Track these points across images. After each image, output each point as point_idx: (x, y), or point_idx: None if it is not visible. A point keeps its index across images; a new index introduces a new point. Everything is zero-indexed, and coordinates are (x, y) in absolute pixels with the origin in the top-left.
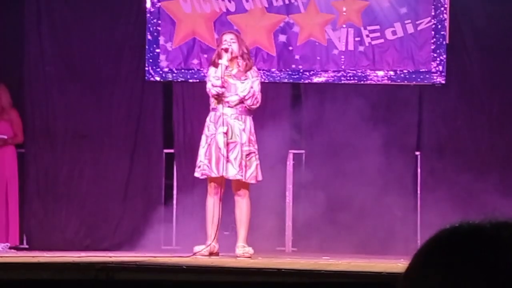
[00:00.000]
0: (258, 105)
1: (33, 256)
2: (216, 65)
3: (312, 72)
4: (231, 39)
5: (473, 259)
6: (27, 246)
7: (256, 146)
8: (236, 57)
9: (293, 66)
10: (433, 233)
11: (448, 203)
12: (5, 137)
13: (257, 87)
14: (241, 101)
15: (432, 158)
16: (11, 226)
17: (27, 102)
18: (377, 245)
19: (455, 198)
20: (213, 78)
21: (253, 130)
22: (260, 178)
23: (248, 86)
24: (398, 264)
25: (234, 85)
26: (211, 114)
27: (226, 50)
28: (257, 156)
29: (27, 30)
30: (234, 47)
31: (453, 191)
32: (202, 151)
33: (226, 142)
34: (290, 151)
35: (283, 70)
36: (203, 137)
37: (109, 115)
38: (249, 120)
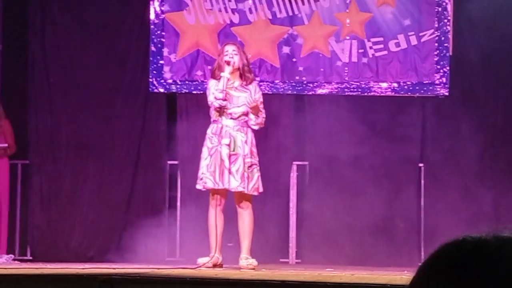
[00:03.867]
0: (264, 119)
1: (36, 268)
2: (216, 77)
3: (315, 83)
4: (233, 50)
5: (476, 273)
6: (30, 258)
7: (257, 158)
8: (238, 68)
9: (297, 77)
10: (436, 245)
11: (452, 215)
12: (6, 145)
13: (261, 103)
14: (244, 114)
15: (435, 169)
16: (2, 237)
17: (31, 113)
18: (381, 257)
19: (459, 210)
20: (215, 91)
21: (254, 142)
22: (261, 189)
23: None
24: (402, 276)
25: (237, 97)
26: (213, 126)
27: (228, 63)
28: (258, 168)
29: (30, 42)
30: (236, 59)
31: (457, 203)
32: (204, 163)
33: (229, 154)
34: (294, 162)
35: (287, 81)
36: (205, 149)
37: (113, 127)
38: (250, 132)
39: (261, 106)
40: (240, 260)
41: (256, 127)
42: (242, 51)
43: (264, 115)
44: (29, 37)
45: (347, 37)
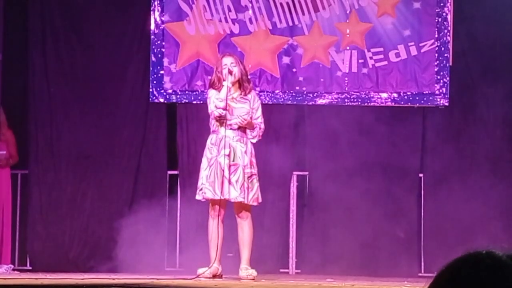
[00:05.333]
0: (263, 130)
1: (36, 278)
2: (216, 87)
3: (315, 94)
4: (232, 63)
5: None
6: (30, 268)
7: (256, 168)
8: (238, 80)
9: (297, 88)
10: (436, 255)
11: (452, 224)
12: (4, 152)
13: (260, 112)
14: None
15: (435, 180)
16: (4, 247)
17: (31, 123)
18: (381, 267)
19: (459, 219)
20: (216, 100)
21: (254, 152)
22: (260, 200)
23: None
24: (402, 287)
25: (236, 108)
26: (212, 136)
27: (231, 73)
28: (257, 178)
29: (31, 52)
30: (236, 70)
31: (456, 213)
32: (204, 173)
33: (229, 165)
34: (294, 172)
35: (287, 91)
36: (204, 160)
37: (113, 136)
38: (250, 143)
39: (260, 115)
40: (240, 271)
41: (254, 140)
42: (240, 61)
43: (262, 126)
44: (30, 46)
45: (347, 47)
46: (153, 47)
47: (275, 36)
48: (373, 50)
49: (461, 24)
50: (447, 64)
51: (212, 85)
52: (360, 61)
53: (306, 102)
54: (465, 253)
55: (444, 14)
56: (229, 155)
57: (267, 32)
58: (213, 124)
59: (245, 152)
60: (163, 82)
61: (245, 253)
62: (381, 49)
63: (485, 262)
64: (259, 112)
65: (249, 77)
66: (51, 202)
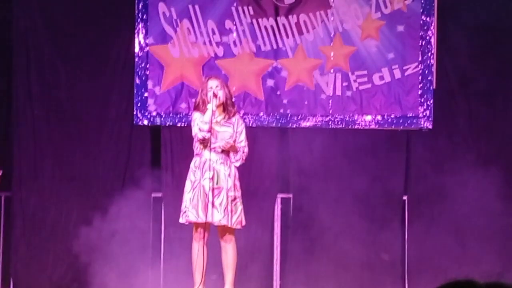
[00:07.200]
0: (246, 154)
1: None
2: (200, 109)
3: (300, 116)
4: (217, 86)
5: None
6: None
7: (240, 192)
8: (222, 103)
9: (281, 110)
10: (420, 278)
11: (436, 247)
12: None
13: (244, 135)
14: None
15: (419, 202)
16: None
17: (15, 145)
18: None
19: (443, 243)
20: (200, 122)
21: (237, 175)
22: (244, 223)
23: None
24: None
25: (220, 132)
26: (196, 159)
27: (216, 96)
28: (241, 201)
29: (15, 74)
30: (220, 93)
31: (441, 236)
32: (187, 196)
33: (212, 188)
34: (278, 195)
35: (271, 114)
36: (188, 183)
37: (97, 159)
38: (233, 166)
39: (244, 139)
40: None
41: (237, 164)
42: (225, 85)
43: (245, 150)
44: (14, 69)
45: (332, 70)
46: (137, 69)
47: (259, 59)
48: (357, 73)
49: (444, 47)
50: (431, 87)
51: (196, 108)
52: (344, 84)
53: (290, 124)
54: (446, 282)
55: (427, 37)
56: (212, 178)
57: (251, 55)
58: (196, 147)
59: (229, 175)
60: (147, 104)
61: (229, 276)
62: (365, 72)
63: None
64: (243, 136)
65: (233, 100)
66: (34, 225)
